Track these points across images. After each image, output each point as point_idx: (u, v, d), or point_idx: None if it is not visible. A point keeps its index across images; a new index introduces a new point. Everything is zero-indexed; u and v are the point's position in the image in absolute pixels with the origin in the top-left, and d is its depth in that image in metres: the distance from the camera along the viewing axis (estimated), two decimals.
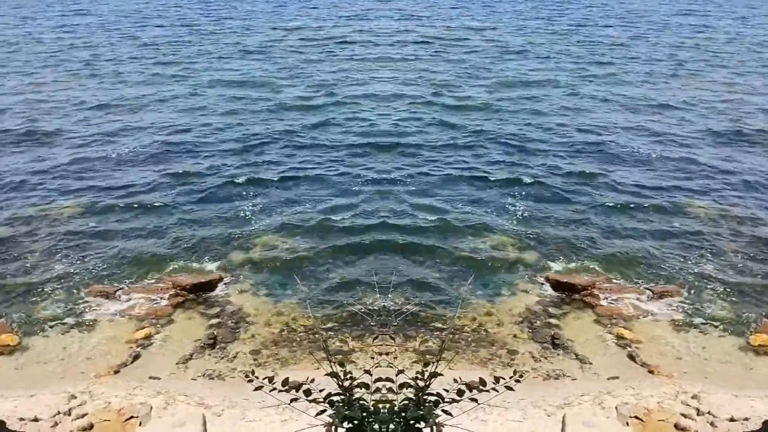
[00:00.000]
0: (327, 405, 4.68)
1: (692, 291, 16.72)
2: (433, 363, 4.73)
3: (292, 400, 4.70)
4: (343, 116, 32.85)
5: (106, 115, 33.02)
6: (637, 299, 16.23)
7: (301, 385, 4.74)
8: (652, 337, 14.73)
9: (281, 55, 49.32)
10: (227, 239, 19.93)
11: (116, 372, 13.41)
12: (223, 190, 23.87)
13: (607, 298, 16.20)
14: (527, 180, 24.63)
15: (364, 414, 4.66)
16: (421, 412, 4.56)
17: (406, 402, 4.74)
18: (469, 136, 30.19)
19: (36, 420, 10.79)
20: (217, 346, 14.64)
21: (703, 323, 15.24)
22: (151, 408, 11.49)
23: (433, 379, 4.67)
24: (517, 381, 4.85)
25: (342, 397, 4.70)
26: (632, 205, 22.25)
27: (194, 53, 50.27)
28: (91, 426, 10.84)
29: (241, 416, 11.56)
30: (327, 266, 18.37)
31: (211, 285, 17.04)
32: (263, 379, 4.76)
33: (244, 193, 23.58)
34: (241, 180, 24.67)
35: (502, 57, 48.50)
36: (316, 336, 14.94)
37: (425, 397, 4.63)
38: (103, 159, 26.75)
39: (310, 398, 4.70)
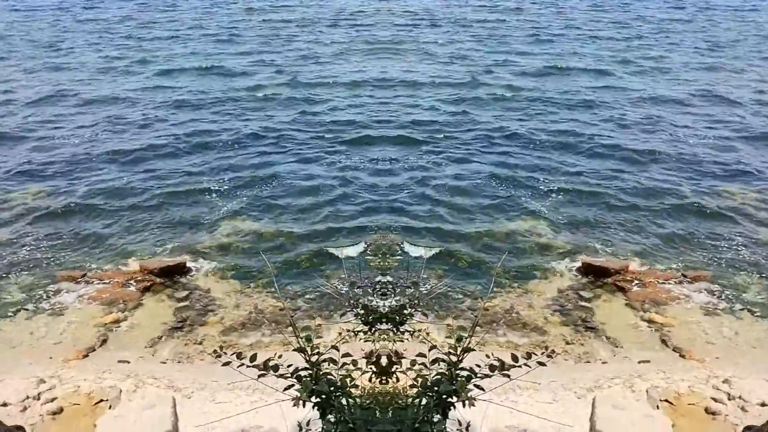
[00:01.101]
0: (295, 380, 4.78)
1: (726, 277, 16.56)
2: (465, 338, 4.90)
3: (259, 376, 4.78)
4: (345, 102, 32.74)
5: (67, 105, 32.96)
6: (670, 284, 16.13)
7: (268, 361, 4.81)
8: (685, 321, 14.66)
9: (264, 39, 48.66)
10: (195, 224, 19.90)
11: (85, 356, 13.37)
12: (192, 177, 23.78)
13: (639, 283, 16.13)
14: (559, 166, 24.50)
15: (332, 388, 4.77)
16: (454, 387, 4.73)
17: (438, 377, 4.90)
18: (501, 120, 30.02)
19: (5, 405, 10.74)
20: (186, 330, 14.65)
21: (736, 309, 15.13)
22: (121, 391, 11.40)
23: (465, 354, 4.84)
24: (549, 356, 4.99)
25: (309, 372, 4.77)
26: (667, 193, 21.98)
27: (156, 37, 49.63)
28: (61, 410, 10.73)
29: (210, 398, 11.62)
30: (307, 251, 18.32)
31: (179, 269, 16.97)
32: (231, 354, 4.80)
33: (214, 180, 23.47)
34: (210, 167, 24.60)
35: (538, 40, 47.73)
36: (283, 312, 15.03)
37: (458, 372, 4.80)
38: (67, 149, 26.63)
39: (278, 374, 4.77)
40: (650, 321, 14.69)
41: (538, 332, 14.47)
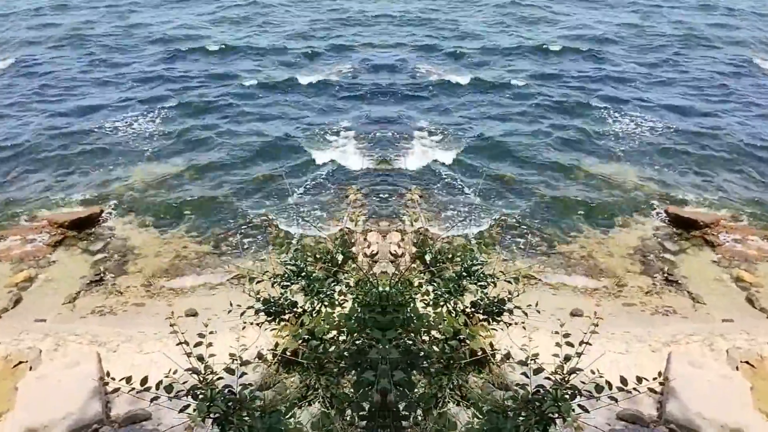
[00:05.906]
0: (191, 399, 4.53)
1: None
2: (573, 357, 4.73)
3: (152, 400, 4.58)
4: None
5: None
6: (763, 241, 15.31)
7: (160, 383, 4.59)
8: None
9: None
10: (106, 171, 18.91)
11: None
12: (98, 117, 22.71)
13: (729, 238, 15.35)
14: (652, 114, 23.15)
15: (230, 404, 4.57)
16: (558, 407, 4.60)
17: (540, 389, 4.75)
18: (592, 69, 28.44)
19: None
20: (106, 282, 14.11)
21: None
22: (41, 351, 10.98)
23: (573, 376, 4.69)
24: (662, 384, 4.79)
25: (203, 392, 4.55)
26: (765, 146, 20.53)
27: None
28: None
29: (138, 349, 11.33)
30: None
31: (91, 220, 16.22)
32: (120, 380, 4.58)
33: (123, 121, 22.38)
34: (117, 106, 23.51)
35: None
36: (208, 254, 14.58)
37: (563, 391, 4.66)
38: None
39: (172, 395, 4.56)
40: (738, 279, 14.06)
41: (616, 282, 14.16)
